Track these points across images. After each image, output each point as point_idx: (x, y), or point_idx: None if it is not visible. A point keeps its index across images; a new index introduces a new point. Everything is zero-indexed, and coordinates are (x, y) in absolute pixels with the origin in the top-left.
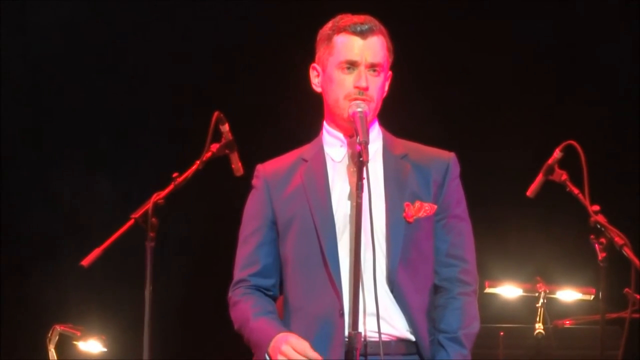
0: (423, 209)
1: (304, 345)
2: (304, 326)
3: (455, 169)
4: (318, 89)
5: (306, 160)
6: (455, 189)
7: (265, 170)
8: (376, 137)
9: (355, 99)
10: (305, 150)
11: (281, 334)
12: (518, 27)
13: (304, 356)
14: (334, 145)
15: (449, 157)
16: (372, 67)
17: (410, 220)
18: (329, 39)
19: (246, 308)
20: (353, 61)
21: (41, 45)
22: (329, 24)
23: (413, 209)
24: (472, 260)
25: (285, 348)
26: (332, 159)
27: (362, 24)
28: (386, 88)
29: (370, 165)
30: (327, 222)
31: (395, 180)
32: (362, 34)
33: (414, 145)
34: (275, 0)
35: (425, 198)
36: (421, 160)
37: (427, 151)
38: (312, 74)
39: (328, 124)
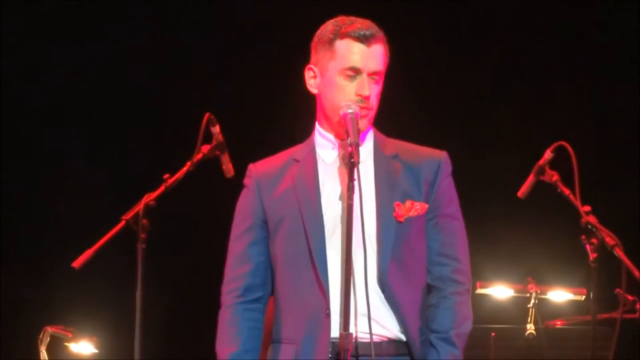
0: (414, 208)
1: None
2: (293, 326)
3: (447, 168)
4: (314, 91)
5: (297, 161)
6: (447, 188)
7: (257, 169)
8: (368, 138)
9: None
10: (296, 151)
11: None
12: (506, 27)
13: None
14: (325, 147)
15: (440, 156)
16: (373, 74)
17: (401, 219)
18: (331, 42)
19: (227, 340)
20: (356, 68)
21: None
22: (330, 27)
23: (404, 209)
24: (464, 259)
25: None
26: (324, 161)
27: (366, 29)
28: None
29: (361, 165)
30: (316, 223)
31: (386, 180)
32: (366, 41)
33: (405, 144)
34: (266, 2)
35: (417, 197)
36: (412, 160)
37: (418, 150)
38: (308, 75)
39: (320, 126)
